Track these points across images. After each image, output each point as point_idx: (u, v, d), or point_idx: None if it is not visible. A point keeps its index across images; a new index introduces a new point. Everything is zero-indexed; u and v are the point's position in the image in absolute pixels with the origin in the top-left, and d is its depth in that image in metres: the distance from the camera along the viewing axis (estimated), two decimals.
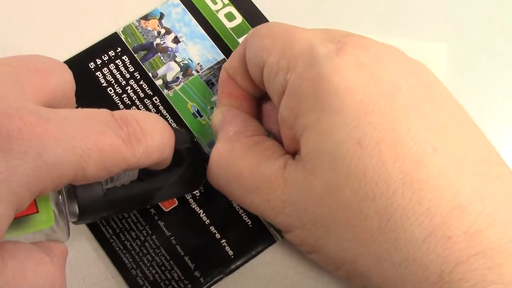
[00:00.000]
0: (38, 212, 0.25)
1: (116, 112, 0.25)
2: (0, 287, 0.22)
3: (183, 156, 0.31)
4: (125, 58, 0.36)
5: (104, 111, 0.25)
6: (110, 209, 0.29)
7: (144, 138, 0.25)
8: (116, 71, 0.36)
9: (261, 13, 0.38)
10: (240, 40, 0.37)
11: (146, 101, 0.35)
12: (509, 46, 0.39)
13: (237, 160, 0.29)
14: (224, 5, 0.38)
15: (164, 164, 0.28)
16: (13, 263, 0.22)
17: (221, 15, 0.38)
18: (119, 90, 0.36)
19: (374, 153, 0.25)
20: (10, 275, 0.22)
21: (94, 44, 0.36)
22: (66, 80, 0.26)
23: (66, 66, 0.27)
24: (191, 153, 0.32)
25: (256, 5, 0.38)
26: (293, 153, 0.29)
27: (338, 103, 0.26)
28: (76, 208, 0.27)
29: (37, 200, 0.25)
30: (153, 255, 0.32)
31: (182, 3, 0.38)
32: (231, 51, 0.37)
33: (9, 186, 0.21)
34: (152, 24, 0.37)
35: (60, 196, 0.26)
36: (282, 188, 0.28)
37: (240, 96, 0.32)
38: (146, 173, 0.29)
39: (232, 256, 0.32)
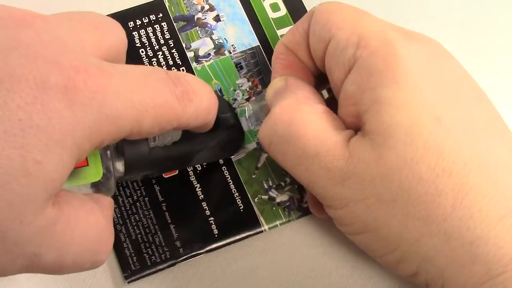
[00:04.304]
0: (88, 165, 0.26)
1: (170, 72, 0.26)
2: (60, 230, 0.22)
3: (223, 122, 0.32)
4: (164, 24, 0.37)
5: (160, 69, 0.26)
6: (152, 168, 0.30)
7: (195, 98, 0.26)
8: (152, 35, 0.37)
9: (306, 10, 0.38)
10: (280, 32, 0.37)
11: (173, 69, 0.36)
12: (509, 46, 0.38)
13: (303, 121, 0.28)
14: None
15: (207, 127, 0.28)
16: (68, 209, 0.23)
17: (266, 4, 0.38)
18: (151, 53, 0.36)
19: (451, 132, 0.26)
20: (66, 221, 0.23)
21: (139, 5, 0.37)
22: (121, 39, 0.27)
23: (120, 26, 0.28)
24: (230, 120, 0.32)
25: (303, 1, 0.38)
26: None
27: (415, 80, 0.26)
28: (122, 164, 0.28)
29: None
30: (141, 216, 0.33)
31: None
32: (268, 40, 0.37)
33: (74, 136, 0.21)
34: None
35: (108, 152, 0.27)
36: (345, 159, 0.27)
37: (299, 68, 0.32)
38: (187, 136, 0.30)
39: (216, 235, 0.32)
